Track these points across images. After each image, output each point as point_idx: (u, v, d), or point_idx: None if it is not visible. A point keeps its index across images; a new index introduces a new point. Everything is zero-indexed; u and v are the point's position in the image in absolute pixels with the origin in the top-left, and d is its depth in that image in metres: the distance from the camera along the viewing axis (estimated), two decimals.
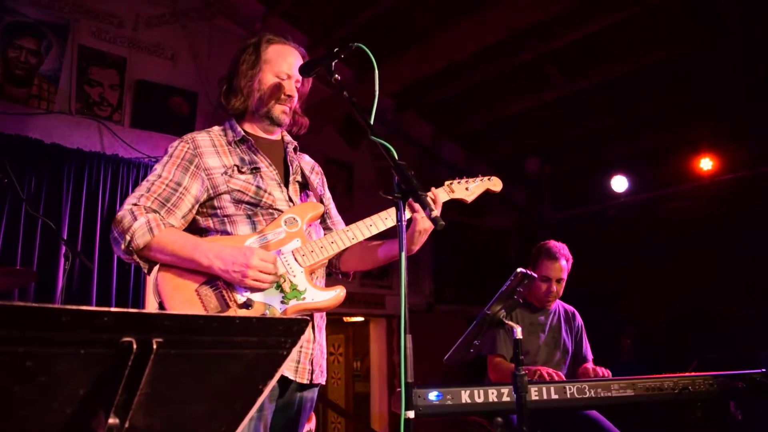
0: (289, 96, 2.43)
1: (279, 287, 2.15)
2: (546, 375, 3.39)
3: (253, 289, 2.10)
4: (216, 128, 2.45)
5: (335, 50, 2.20)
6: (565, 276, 4.01)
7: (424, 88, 8.09)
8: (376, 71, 2.07)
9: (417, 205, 2.13)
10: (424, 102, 8.64)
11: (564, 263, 3.99)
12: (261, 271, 2.06)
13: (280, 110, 2.42)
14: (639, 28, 6.70)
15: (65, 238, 5.29)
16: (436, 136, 9.41)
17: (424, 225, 2.23)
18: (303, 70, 2.33)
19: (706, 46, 6.76)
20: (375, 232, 2.33)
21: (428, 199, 1.84)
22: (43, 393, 0.99)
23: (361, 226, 2.32)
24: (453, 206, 2.56)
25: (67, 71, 5.97)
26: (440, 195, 2.48)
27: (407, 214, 2.19)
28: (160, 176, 2.23)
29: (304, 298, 2.16)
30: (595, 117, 8.40)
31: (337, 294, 2.21)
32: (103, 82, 6.16)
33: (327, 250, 2.26)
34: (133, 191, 2.23)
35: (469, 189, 2.59)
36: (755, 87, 7.06)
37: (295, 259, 2.20)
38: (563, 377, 3.47)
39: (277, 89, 2.41)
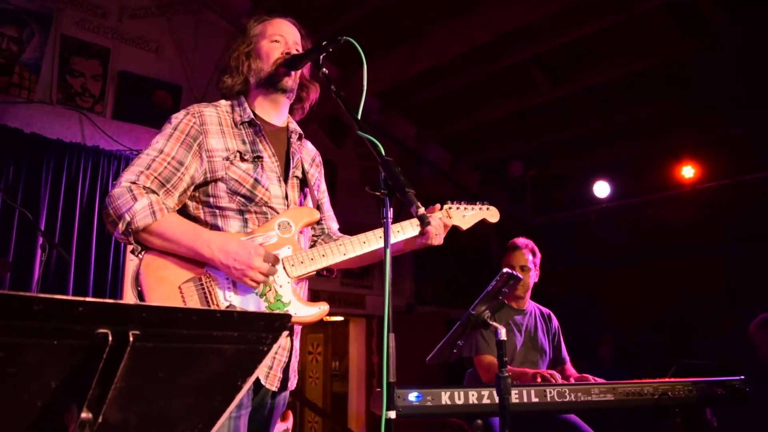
0: (288, 54, 2.32)
1: (263, 295, 2.08)
2: (549, 377, 3.40)
3: (244, 288, 2.04)
4: (223, 103, 2.34)
5: (324, 43, 2.17)
6: (530, 264, 4.10)
7: (410, 89, 8.08)
8: (365, 65, 2.03)
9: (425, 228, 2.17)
10: (409, 103, 8.63)
11: (526, 252, 4.11)
12: (260, 272, 2.00)
13: (283, 72, 2.32)
14: (625, 35, 6.74)
15: (42, 229, 5.22)
16: (420, 138, 9.41)
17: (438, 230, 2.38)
18: (291, 64, 2.28)
19: (692, 55, 6.81)
20: (367, 250, 2.28)
21: (413, 195, 1.80)
22: (13, 385, 0.96)
23: (355, 242, 2.27)
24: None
25: (49, 60, 5.89)
26: (435, 221, 2.44)
27: (415, 231, 2.33)
28: (161, 152, 2.11)
29: (287, 311, 2.09)
30: (579, 122, 8.44)
31: (320, 311, 2.17)
32: (86, 73, 6.09)
33: (317, 262, 2.20)
34: (131, 164, 2.11)
35: (465, 217, 2.57)
36: (738, 96, 7.13)
37: (284, 267, 2.14)
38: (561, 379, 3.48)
39: (275, 50, 2.33)
